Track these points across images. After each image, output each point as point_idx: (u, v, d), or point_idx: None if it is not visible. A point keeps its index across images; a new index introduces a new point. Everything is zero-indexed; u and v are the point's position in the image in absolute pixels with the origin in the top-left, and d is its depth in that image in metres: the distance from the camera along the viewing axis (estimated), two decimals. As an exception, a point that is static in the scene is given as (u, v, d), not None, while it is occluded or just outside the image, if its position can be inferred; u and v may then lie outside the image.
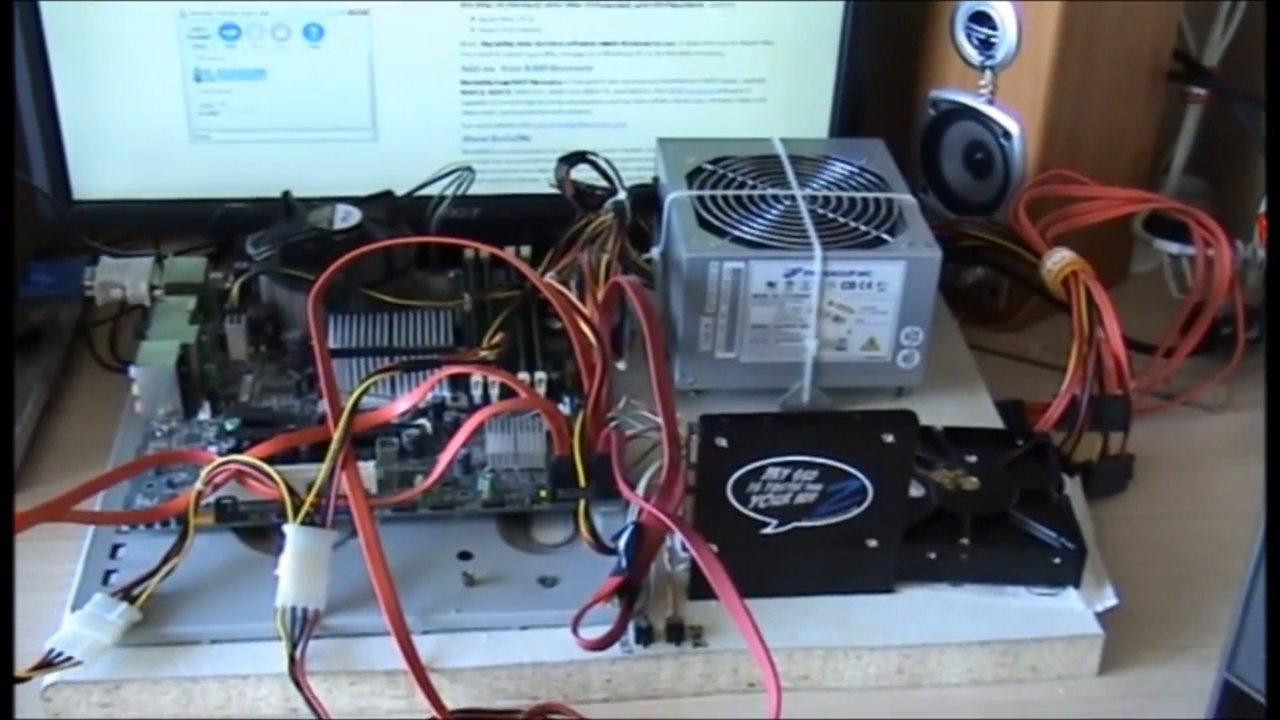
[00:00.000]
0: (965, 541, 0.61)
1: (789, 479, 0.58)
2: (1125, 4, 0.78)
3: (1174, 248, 0.82)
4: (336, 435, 0.58)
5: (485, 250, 0.73)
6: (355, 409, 0.59)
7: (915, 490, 0.62)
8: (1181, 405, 0.78)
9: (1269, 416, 0.51)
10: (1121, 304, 0.72)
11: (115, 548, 0.60)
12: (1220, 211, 0.83)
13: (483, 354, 0.66)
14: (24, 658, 0.55)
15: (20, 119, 0.76)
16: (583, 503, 0.61)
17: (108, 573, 0.59)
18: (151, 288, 0.72)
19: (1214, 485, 0.72)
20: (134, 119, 0.77)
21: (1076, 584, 0.62)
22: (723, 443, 0.57)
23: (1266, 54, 0.82)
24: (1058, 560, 0.61)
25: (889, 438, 0.57)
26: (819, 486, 0.58)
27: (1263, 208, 0.80)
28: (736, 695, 0.59)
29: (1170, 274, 0.84)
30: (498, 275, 0.75)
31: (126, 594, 0.57)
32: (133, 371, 0.66)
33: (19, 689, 0.54)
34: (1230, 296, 0.77)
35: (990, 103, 0.80)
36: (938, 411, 0.69)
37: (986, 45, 0.79)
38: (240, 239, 0.73)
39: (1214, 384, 0.78)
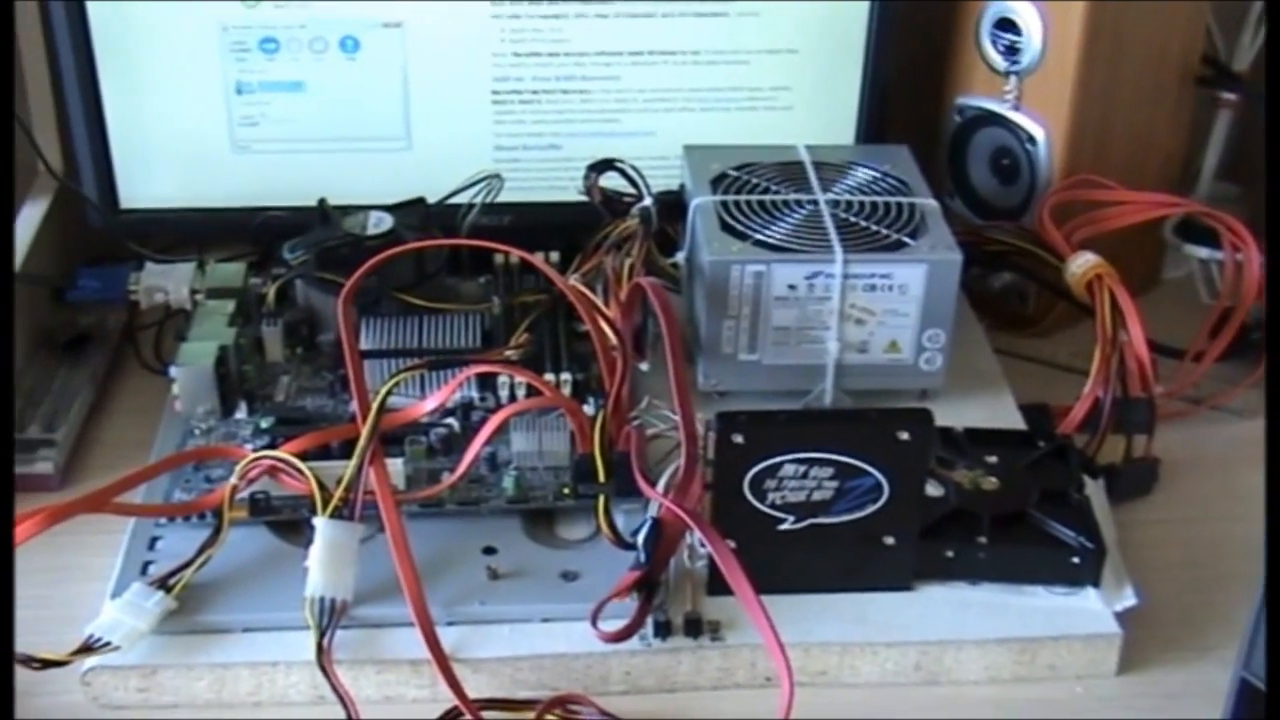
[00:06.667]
0: (984, 540, 0.62)
1: (805, 476, 0.58)
2: (1151, 7, 0.78)
3: (1203, 252, 0.82)
4: (364, 431, 0.59)
5: (514, 254, 0.74)
6: (383, 407, 0.60)
7: (934, 489, 0.62)
8: (1209, 410, 0.77)
9: (1269, 419, 0.51)
10: (1154, 309, 0.72)
11: (154, 540, 0.62)
12: (1253, 217, 0.83)
13: (507, 354, 0.68)
14: (65, 643, 0.56)
15: (70, 132, 0.79)
16: (604, 499, 0.62)
17: (146, 563, 0.61)
18: (193, 292, 0.74)
19: (1241, 489, 0.72)
20: (178, 130, 0.79)
21: (1096, 583, 0.62)
22: (739, 439, 0.58)
23: (1267, 52, 0.81)
24: (1076, 560, 0.61)
25: (904, 435, 0.58)
26: (835, 484, 0.59)
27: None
28: (753, 689, 0.59)
29: (1200, 279, 0.83)
30: (527, 280, 0.76)
31: (163, 583, 0.59)
32: (173, 371, 0.68)
33: (60, 672, 0.56)
34: (1259, 301, 0.77)
35: (1016, 108, 0.80)
36: (961, 414, 0.69)
37: (1012, 51, 0.80)
38: (279, 245, 0.75)
39: (1242, 389, 0.78)
